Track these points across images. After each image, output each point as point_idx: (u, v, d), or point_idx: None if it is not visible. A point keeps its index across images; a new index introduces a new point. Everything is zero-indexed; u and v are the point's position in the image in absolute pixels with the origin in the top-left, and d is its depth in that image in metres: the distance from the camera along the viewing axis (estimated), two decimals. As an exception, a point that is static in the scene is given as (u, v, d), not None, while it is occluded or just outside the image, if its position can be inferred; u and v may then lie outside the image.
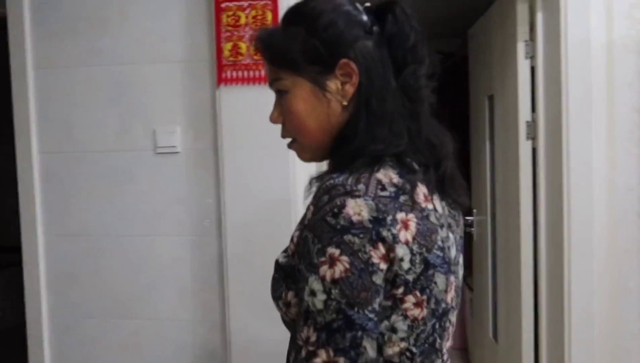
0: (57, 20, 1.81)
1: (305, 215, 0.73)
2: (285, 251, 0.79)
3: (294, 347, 0.71)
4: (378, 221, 0.66)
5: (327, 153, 0.81)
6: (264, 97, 1.78)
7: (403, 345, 0.70)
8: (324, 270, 0.66)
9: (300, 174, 1.65)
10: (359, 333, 0.66)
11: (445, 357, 0.76)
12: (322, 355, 0.66)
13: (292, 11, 0.80)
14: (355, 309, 0.66)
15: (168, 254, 1.80)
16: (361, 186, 0.68)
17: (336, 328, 0.66)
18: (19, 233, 1.81)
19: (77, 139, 1.82)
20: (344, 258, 0.65)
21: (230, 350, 1.71)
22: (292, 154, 0.87)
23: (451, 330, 0.78)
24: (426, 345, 0.72)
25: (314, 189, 0.75)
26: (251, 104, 1.66)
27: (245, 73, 1.67)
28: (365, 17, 0.77)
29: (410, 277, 0.68)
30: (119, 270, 1.83)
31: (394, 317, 0.69)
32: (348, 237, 0.66)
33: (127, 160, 1.80)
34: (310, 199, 0.74)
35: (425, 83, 0.78)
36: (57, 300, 1.84)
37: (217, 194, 1.75)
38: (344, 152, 0.76)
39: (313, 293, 0.67)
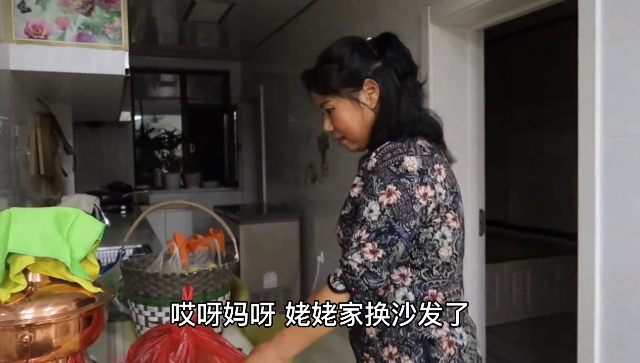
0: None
1: (365, 167, 1.17)
2: (344, 207, 1.24)
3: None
4: (423, 171, 1.10)
5: (368, 142, 1.22)
6: None
7: (450, 249, 1.15)
8: (383, 198, 1.07)
9: None
10: (396, 237, 1.07)
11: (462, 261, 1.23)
12: (369, 246, 1.06)
13: (325, 54, 1.24)
14: (398, 223, 1.07)
15: None
16: (412, 149, 1.12)
17: (382, 231, 1.06)
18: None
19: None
20: (398, 192, 1.07)
21: None
22: None
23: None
24: (460, 250, 1.18)
25: (364, 164, 1.19)
26: None
27: None
28: (372, 48, 1.21)
29: (447, 203, 1.13)
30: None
31: (443, 228, 1.14)
32: (403, 180, 1.08)
33: None
34: (368, 163, 1.16)
35: (419, 86, 1.24)
36: (611, 304, 1.63)
37: None
38: (383, 134, 1.18)
39: (371, 211, 1.08)
